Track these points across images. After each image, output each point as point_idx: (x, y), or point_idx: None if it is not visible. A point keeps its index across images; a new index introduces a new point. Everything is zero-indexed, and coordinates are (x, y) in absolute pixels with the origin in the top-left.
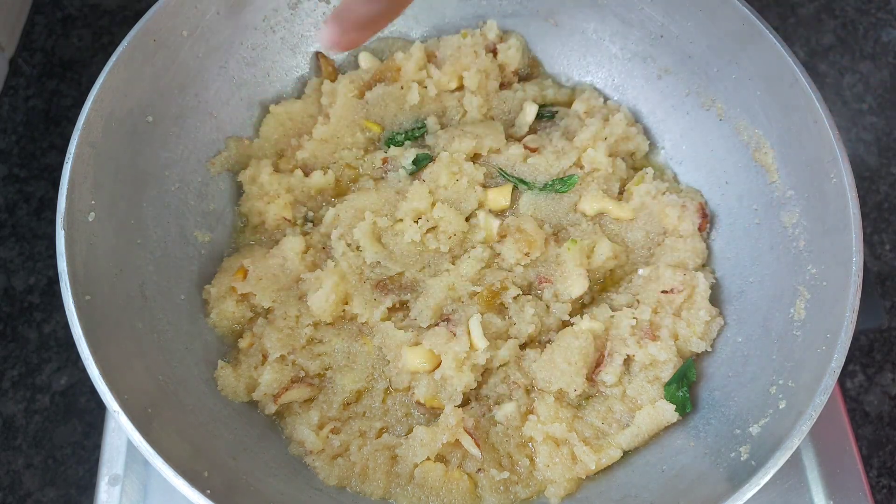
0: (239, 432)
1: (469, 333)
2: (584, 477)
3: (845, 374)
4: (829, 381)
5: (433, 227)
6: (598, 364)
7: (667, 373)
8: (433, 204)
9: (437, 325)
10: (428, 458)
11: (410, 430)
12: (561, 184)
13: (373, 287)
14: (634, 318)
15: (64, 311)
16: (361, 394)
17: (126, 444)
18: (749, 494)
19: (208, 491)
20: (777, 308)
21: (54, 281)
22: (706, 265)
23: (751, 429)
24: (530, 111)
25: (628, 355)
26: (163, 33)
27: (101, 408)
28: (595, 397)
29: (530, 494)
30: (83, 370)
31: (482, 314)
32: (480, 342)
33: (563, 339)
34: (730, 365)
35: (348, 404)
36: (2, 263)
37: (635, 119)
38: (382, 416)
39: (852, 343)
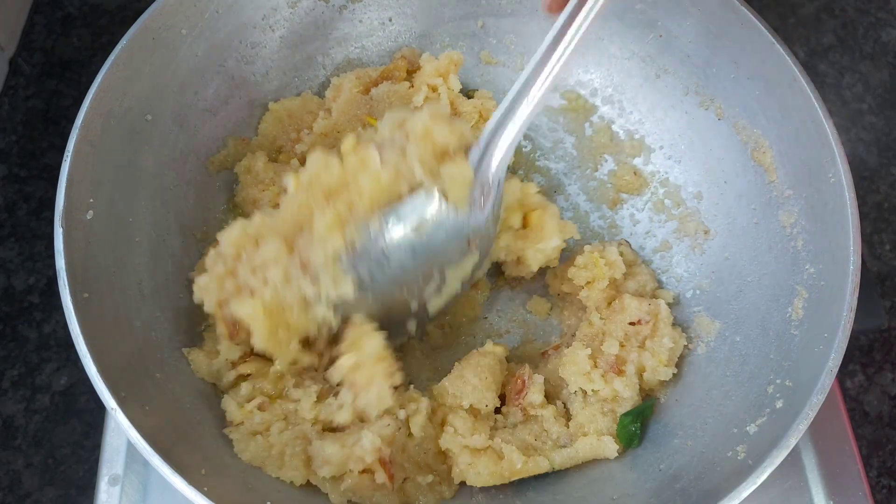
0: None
1: None
2: (507, 475)
3: (845, 374)
4: (827, 380)
5: None
6: (519, 391)
7: (624, 408)
8: None
9: None
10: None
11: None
12: None
13: None
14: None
15: (64, 311)
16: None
17: (126, 443)
18: (746, 493)
19: (205, 488)
20: (775, 307)
21: (54, 281)
22: (659, 286)
23: (748, 428)
24: None
25: (592, 390)
26: (162, 32)
27: (101, 407)
28: (529, 421)
29: (454, 492)
30: (83, 370)
31: None
32: None
33: (471, 358)
34: (727, 364)
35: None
36: (2, 263)
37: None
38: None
39: (852, 343)
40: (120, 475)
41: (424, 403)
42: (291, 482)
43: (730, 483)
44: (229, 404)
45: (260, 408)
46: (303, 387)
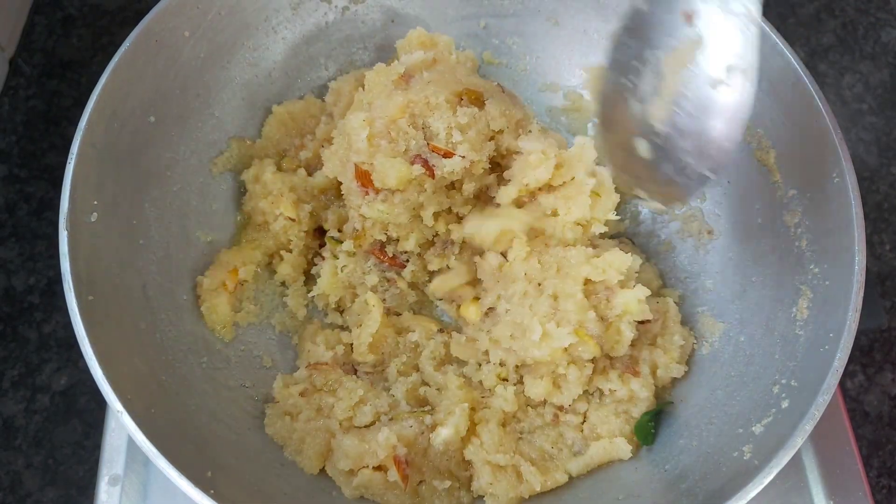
0: (242, 433)
1: None
2: (526, 497)
3: (845, 374)
4: (832, 380)
5: None
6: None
7: (638, 410)
8: None
9: None
10: (366, 466)
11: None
12: None
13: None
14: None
15: (64, 311)
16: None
17: (126, 444)
18: (752, 493)
19: (212, 491)
20: (779, 307)
21: (54, 281)
22: (664, 285)
23: (753, 428)
24: None
25: (610, 389)
26: (165, 33)
27: (101, 408)
28: (549, 427)
29: (473, 499)
30: (83, 370)
31: None
32: None
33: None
34: (732, 364)
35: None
36: (2, 263)
37: None
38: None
39: (853, 343)
40: (120, 475)
41: (457, 416)
42: (298, 485)
43: (736, 483)
44: (279, 381)
45: (301, 393)
46: (351, 384)
